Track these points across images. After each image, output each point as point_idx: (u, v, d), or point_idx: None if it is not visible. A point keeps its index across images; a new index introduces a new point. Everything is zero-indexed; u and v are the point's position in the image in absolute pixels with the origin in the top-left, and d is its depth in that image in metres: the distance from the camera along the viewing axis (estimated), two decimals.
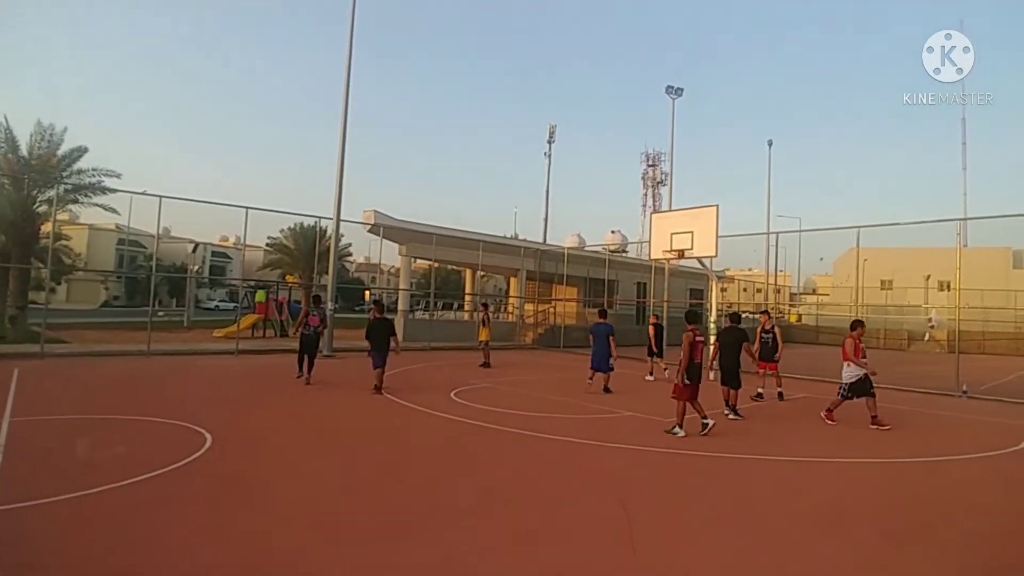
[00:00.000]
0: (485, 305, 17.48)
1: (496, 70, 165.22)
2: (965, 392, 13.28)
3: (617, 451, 7.11)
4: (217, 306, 54.95)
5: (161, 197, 15.58)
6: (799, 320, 45.03)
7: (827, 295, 51.05)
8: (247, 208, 17.12)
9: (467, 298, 32.70)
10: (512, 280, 33.40)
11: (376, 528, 4.32)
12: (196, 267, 46.49)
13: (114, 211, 18.72)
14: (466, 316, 29.53)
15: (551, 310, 30.09)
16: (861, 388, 9.22)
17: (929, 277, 36.60)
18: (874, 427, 8.95)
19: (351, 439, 7.41)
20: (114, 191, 18.14)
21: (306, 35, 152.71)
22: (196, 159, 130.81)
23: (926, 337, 34.83)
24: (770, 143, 42.13)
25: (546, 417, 9.19)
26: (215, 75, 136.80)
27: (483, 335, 16.32)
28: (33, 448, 6.16)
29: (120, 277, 56.65)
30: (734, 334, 9.82)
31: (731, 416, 9.41)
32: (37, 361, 13.17)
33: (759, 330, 12.47)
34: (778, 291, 45.86)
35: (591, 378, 11.86)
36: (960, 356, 14.78)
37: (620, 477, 6.02)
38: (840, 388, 9.45)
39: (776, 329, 12.26)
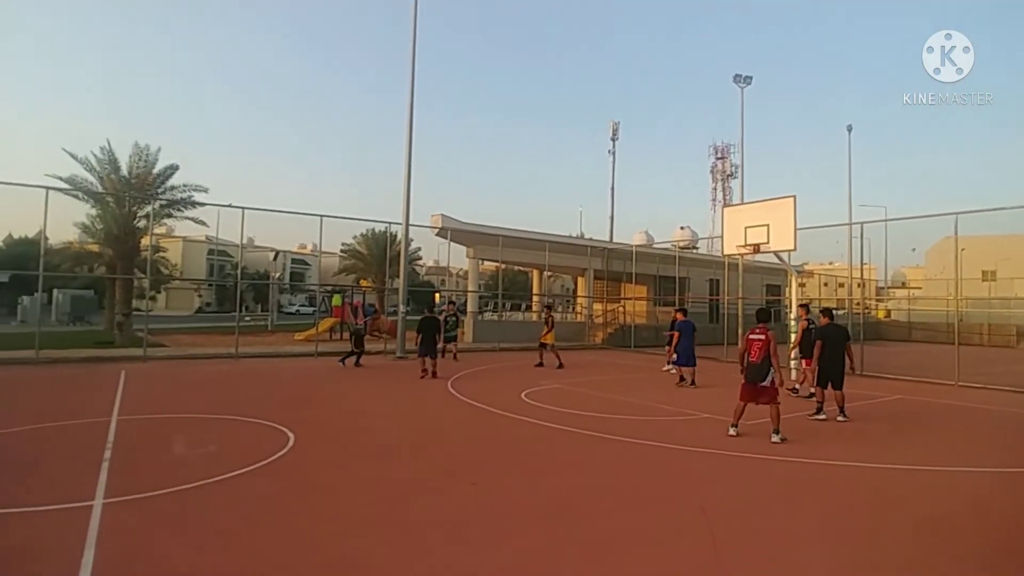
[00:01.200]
0: (549, 306, 17.37)
1: (559, 68, 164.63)
2: None
3: (694, 454, 6.86)
4: (298, 310, 57.73)
5: (244, 209, 16.54)
6: (888, 316, 42.11)
7: (919, 288, 47.44)
8: (322, 216, 17.92)
9: (535, 298, 32.70)
10: (580, 280, 33.10)
11: (450, 531, 4.35)
12: (278, 274, 49.08)
13: (203, 223, 20.13)
14: (534, 317, 29.53)
15: (620, 309, 29.61)
16: None
17: None
18: None
19: (425, 439, 7.54)
20: (203, 204, 19.50)
21: (375, 43, 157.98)
22: (274, 171, 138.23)
23: None
24: (849, 128, 39.62)
25: (618, 419, 9.01)
26: (289, 86, 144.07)
27: (547, 338, 15.99)
28: (137, 445, 6.65)
29: (211, 285, 60.68)
30: (836, 330, 9.33)
31: (840, 418, 8.90)
32: (141, 364, 14.29)
33: (800, 326, 11.84)
34: (861, 285, 43.06)
35: (682, 376, 12.91)
36: None
37: (698, 482, 5.79)
38: None
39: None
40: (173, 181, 20.85)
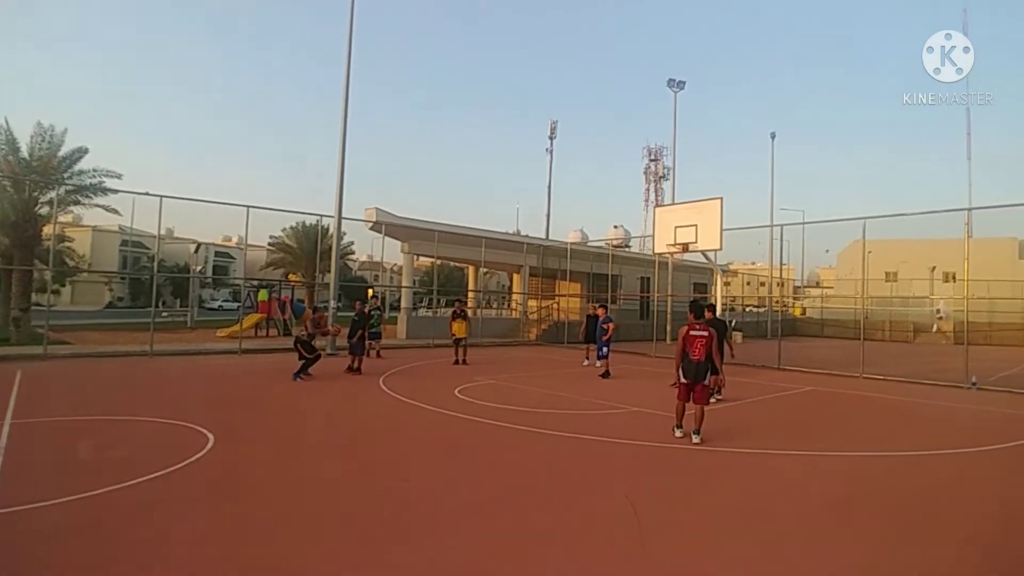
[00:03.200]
0: (460, 300, 17.30)
1: (497, 66, 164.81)
2: (975, 383, 13.15)
3: (624, 447, 7.02)
4: (220, 306, 55.01)
5: (162, 197, 15.51)
6: (803, 313, 44.85)
7: (831, 288, 50.80)
8: (248, 207, 17.06)
9: (470, 295, 32.60)
10: (515, 276, 33.29)
11: (378, 528, 4.25)
12: (199, 267, 46.46)
13: (116, 212, 18.68)
14: (470, 313, 29.49)
15: (555, 306, 30.00)
16: None
17: (935, 269, 36.33)
18: None
19: (355, 438, 7.35)
20: (115, 192, 18.08)
21: (307, 33, 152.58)
22: (197, 159, 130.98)
23: (933, 329, 34.64)
24: (773, 136, 41.94)
25: (551, 413, 9.11)
26: (216, 73, 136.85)
27: (458, 330, 15.58)
28: (34, 451, 6.10)
29: (124, 278, 56.74)
30: (717, 324, 10.07)
31: (715, 399, 9.87)
32: (40, 363, 13.14)
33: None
34: (781, 284, 45.66)
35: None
36: (968, 347, 14.68)
37: (628, 474, 5.93)
38: None
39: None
40: (82, 165, 19.20)
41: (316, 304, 16.04)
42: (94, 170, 19.02)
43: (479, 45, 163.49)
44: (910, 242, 33.86)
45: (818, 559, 3.95)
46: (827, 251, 49.07)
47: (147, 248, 53.94)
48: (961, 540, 4.35)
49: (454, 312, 16.07)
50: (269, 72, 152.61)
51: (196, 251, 39.86)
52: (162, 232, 19.62)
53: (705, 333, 7.13)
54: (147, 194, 15.70)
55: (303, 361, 11.84)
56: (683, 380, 7.17)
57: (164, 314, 34.10)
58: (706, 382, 7.17)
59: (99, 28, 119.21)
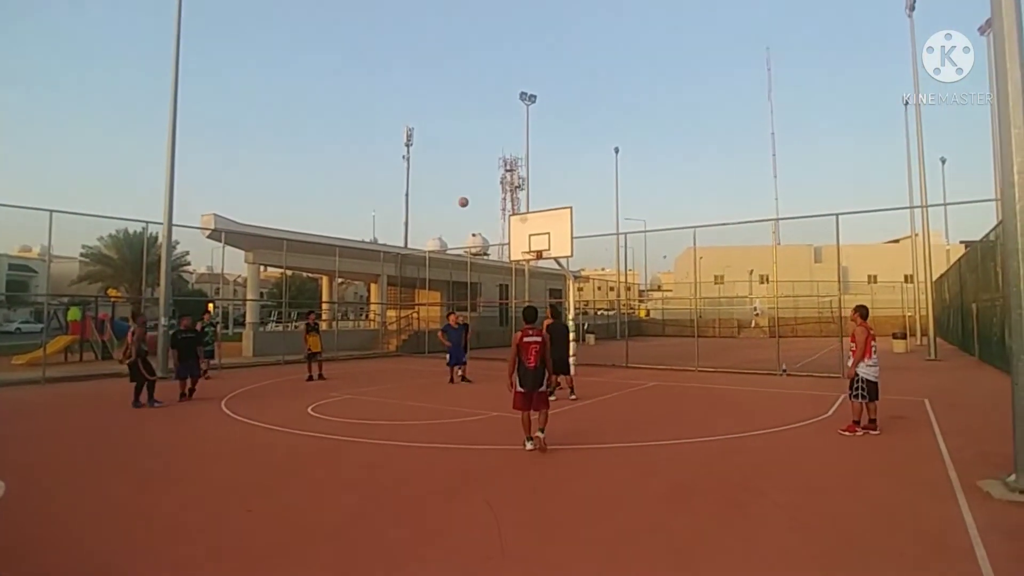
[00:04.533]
0: (310, 311, 16.41)
1: (351, 68, 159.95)
2: (784, 370, 15.12)
3: (483, 452, 7.04)
4: (19, 328, 46.74)
5: None
6: (648, 315, 48.82)
7: (671, 291, 55.91)
8: (51, 211, 14.60)
9: (324, 307, 31.04)
10: (373, 286, 32.31)
11: (223, 566, 3.79)
12: None
13: None
14: (324, 326, 28.05)
15: (415, 316, 29.59)
16: (875, 390, 7.67)
17: (752, 271, 41.48)
18: (874, 432, 7.67)
19: (190, 469, 6.55)
20: None
21: (131, 8, 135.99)
22: None
23: (752, 324, 39.54)
24: (616, 150, 45.11)
25: (410, 425, 8.90)
26: (25, 55, 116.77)
27: (313, 344, 14.75)
28: None
29: None
30: (560, 326, 11.25)
31: (572, 397, 11.00)
32: None
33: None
34: (628, 288, 49.30)
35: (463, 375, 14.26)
36: (780, 339, 16.91)
37: (486, 479, 5.92)
38: (855, 387, 7.67)
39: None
40: None
41: (134, 311, 13.71)
42: None
43: (331, 44, 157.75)
44: (733, 248, 38.22)
45: (664, 535, 4.24)
46: (664, 257, 54.09)
47: None
48: (772, 506, 4.91)
49: (307, 325, 15.19)
50: (86, 53, 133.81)
51: None
52: None
53: (539, 339, 6.80)
54: None
55: (146, 383, 10.48)
56: (519, 388, 6.79)
57: None
58: (543, 388, 6.84)
59: None
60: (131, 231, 31.71)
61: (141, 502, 5.22)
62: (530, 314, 7.15)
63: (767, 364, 16.38)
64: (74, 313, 21.23)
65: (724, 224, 18.09)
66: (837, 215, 15.17)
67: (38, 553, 4.04)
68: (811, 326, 36.79)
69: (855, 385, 7.66)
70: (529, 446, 6.86)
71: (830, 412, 9.46)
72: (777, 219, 19.21)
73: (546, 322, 10.78)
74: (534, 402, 6.83)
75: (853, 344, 7.83)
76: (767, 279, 40.87)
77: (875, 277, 47.24)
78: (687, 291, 38.00)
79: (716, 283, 44.21)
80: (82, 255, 35.82)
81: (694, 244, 17.99)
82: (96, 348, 21.17)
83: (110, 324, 21.98)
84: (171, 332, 11.69)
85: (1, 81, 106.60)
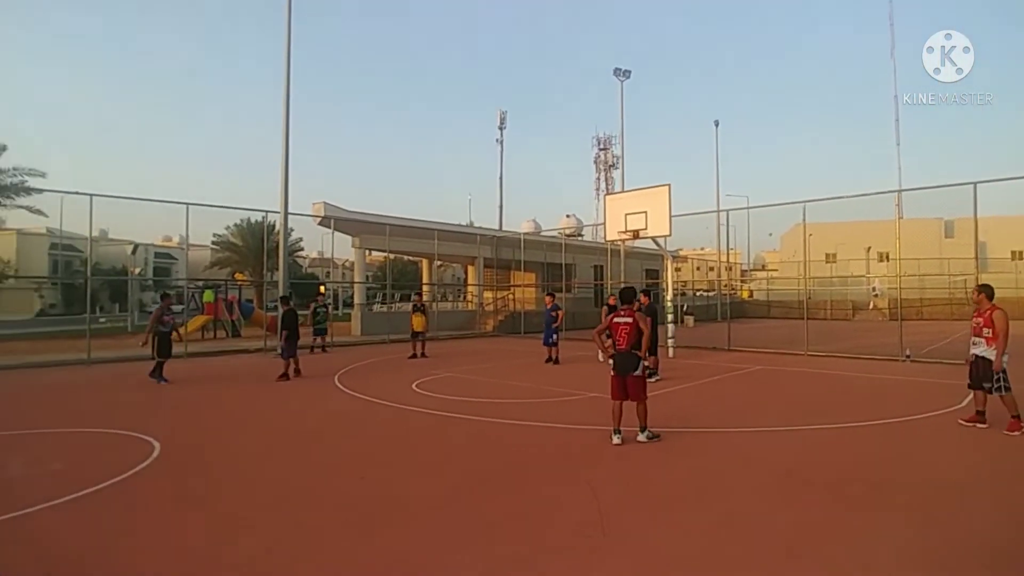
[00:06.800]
0: (417, 293, 17.21)
1: (445, 57, 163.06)
2: (909, 356, 13.88)
3: (584, 432, 7.07)
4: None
5: (92, 196, 14.67)
6: (751, 296, 46.41)
7: (776, 270, 52.73)
8: (188, 204, 16.33)
9: (425, 288, 32.30)
10: (470, 268, 33.14)
11: (338, 527, 4.14)
12: (138, 269, 44.33)
13: (41, 213, 17.61)
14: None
15: (510, 296, 30.06)
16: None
17: (870, 249, 38.16)
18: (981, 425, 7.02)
19: (309, 438, 7.15)
20: (39, 191, 17.02)
21: (246, 19, 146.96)
22: (131, 156, 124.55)
23: (870, 306, 36.45)
24: (716, 123, 43.22)
25: (510, 403, 9.11)
26: (155, 67, 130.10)
27: (417, 324, 15.53)
28: None
29: (55, 284, 53.57)
30: (653, 309, 10.95)
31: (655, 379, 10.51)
32: None
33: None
34: (729, 268, 47.09)
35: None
36: (902, 322, 15.50)
37: (586, 458, 5.97)
38: (998, 381, 6.75)
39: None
40: (0, 164, 18.05)
41: (164, 291, 14.71)
42: (14, 169, 17.87)
43: (427, 33, 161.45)
44: (847, 224, 35.38)
45: (770, 525, 4.08)
46: (770, 235, 50.93)
47: (79, 251, 51.01)
48: (900, 506, 4.57)
49: (414, 305, 16.07)
50: (210, 61, 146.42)
51: (133, 252, 38.12)
52: (95, 234, 18.54)
53: (630, 320, 6.45)
54: (76, 193, 14.83)
55: (157, 360, 11.32)
56: (612, 372, 6.56)
57: (102, 319, 32.43)
58: (637, 373, 6.42)
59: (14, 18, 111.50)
60: (252, 220, 34.49)
61: (268, 466, 5.79)
62: (628, 295, 6.87)
63: (888, 349, 15.08)
64: (208, 295, 23.61)
65: (839, 197, 16.65)
66: (975, 183, 13.56)
67: (186, 497, 4.62)
68: (940, 308, 33.29)
69: (999, 378, 6.71)
70: (616, 440, 6.37)
71: (963, 403, 8.59)
72: (900, 190, 17.47)
73: (643, 300, 10.56)
74: (628, 391, 6.43)
75: (989, 330, 6.81)
76: (887, 256, 37.46)
77: (1020, 253, 41.80)
78: (794, 270, 35.62)
79: (828, 262, 41.08)
80: (213, 243, 39.53)
81: (803, 220, 16.81)
82: (227, 327, 23.45)
83: (237, 305, 24.24)
84: (286, 312, 12.19)
85: (148, 88, 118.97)
